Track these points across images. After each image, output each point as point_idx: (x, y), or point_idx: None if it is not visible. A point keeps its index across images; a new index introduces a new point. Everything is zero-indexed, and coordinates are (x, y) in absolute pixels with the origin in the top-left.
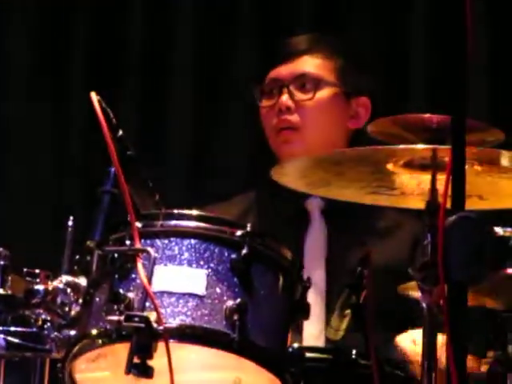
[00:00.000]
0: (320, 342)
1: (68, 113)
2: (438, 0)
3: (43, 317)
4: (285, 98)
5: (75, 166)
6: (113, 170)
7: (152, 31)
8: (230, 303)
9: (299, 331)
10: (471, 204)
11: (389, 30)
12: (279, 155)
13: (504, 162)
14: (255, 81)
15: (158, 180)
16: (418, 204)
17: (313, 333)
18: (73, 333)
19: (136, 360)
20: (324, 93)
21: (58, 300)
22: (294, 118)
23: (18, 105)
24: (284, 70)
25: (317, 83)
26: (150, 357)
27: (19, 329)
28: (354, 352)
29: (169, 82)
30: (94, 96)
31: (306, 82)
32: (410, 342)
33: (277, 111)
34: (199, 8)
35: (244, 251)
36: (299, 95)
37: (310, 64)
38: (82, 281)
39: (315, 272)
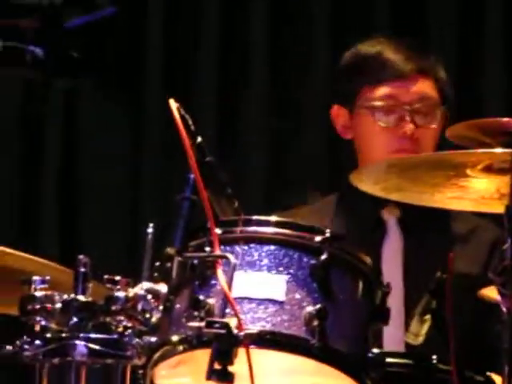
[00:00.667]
0: (400, 348)
1: (145, 120)
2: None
3: (124, 323)
4: (411, 125)
5: (152, 172)
6: (192, 176)
7: (228, 42)
8: (309, 309)
9: (379, 336)
10: None
11: (464, 35)
12: None
13: None
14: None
15: (235, 187)
16: (498, 208)
17: (392, 338)
18: (154, 339)
19: (217, 366)
20: (439, 117)
21: (139, 307)
22: (414, 143)
23: (93, 113)
24: (403, 90)
25: (434, 108)
26: (231, 363)
27: (100, 336)
28: (434, 357)
29: (246, 93)
30: (172, 103)
31: (425, 107)
32: None
33: (399, 135)
34: (274, 20)
35: (323, 257)
36: (420, 120)
37: (427, 86)
38: (163, 287)
39: (393, 279)
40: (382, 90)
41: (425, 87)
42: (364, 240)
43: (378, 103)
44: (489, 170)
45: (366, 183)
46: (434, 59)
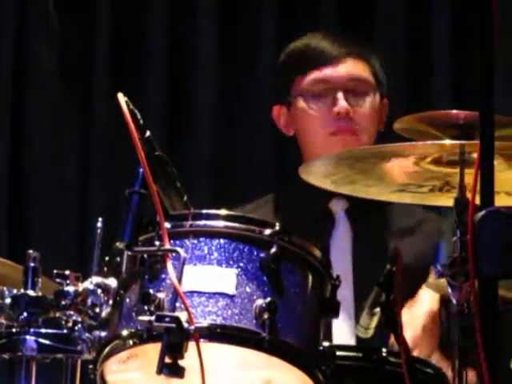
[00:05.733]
0: (350, 341)
1: (92, 114)
2: None
3: (74, 318)
4: (343, 103)
5: (101, 167)
6: (141, 170)
7: (174, 34)
8: (259, 302)
9: (329, 329)
10: (499, 201)
11: (411, 28)
12: None
13: None
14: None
15: (184, 181)
16: (446, 201)
17: (343, 331)
18: (103, 334)
19: (167, 360)
20: (372, 97)
21: (89, 301)
22: (352, 123)
23: (42, 108)
24: (333, 73)
25: (368, 89)
26: (181, 357)
27: (50, 330)
28: (384, 350)
29: (191, 86)
30: (121, 97)
31: (357, 87)
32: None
33: (334, 115)
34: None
35: (273, 250)
36: (354, 100)
37: (358, 67)
38: (112, 282)
39: (343, 271)
40: (312, 76)
41: (356, 68)
42: (312, 232)
43: (309, 88)
44: (438, 162)
45: (316, 176)
46: (365, 45)
